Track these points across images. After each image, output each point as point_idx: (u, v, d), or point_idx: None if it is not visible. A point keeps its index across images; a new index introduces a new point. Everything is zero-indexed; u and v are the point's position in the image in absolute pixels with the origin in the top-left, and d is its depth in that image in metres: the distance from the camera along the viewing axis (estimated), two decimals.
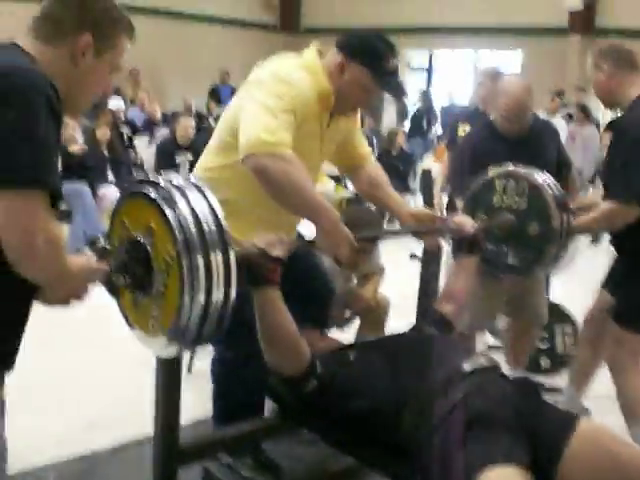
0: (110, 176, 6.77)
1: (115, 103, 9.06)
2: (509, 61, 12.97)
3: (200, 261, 1.54)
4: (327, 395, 2.18)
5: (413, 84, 13.59)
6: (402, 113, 10.90)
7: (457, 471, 1.84)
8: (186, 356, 3.76)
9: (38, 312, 1.61)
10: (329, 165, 8.88)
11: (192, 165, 6.99)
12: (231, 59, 13.47)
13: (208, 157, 2.47)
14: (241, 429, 2.49)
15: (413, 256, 2.92)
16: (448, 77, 13.95)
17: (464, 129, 4.51)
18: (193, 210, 1.58)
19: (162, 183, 1.64)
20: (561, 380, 3.82)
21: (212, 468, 2.62)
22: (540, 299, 3.52)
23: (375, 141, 9.92)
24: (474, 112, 4.66)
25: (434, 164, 6.25)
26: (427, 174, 3.09)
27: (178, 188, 1.62)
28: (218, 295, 1.59)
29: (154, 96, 10.29)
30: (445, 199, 4.77)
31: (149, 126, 9.20)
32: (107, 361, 3.26)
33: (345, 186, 8.56)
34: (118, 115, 8.76)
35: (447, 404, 1.99)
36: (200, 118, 10.07)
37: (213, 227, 1.58)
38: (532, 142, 3.27)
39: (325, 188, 8.16)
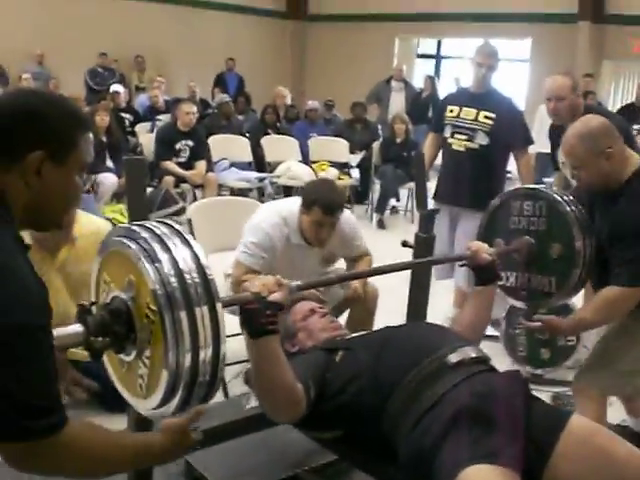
0: (108, 162, 6.68)
1: (116, 88, 8.97)
2: (518, 50, 12.80)
3: (184, 316, 1.43)
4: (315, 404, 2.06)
5: (421, 71, 13.46)
6: (410, 101, 10.72)
7: (438, 469, 1.75)
8: None
9: None
10: (333, 153, 8.73)
11: (192, 152, 6.96)
12: (238, 46, 13.36)
13: None
14: (219, 423, 2.41)
15: (405, 244, 2.81)
16: (456, 65, 13.80)
17: (451, 109, 4.27)
18: (175, 262, 1.46)
19: (142, 233, 1.52)
20: (561, 372, 3.73)
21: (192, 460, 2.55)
22: None
23: (381, 130, 9.84)
24: (463, 92, 4.48)
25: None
26: (420, 157, 2.92)
27: (159, 238, 1.51)
28: (207, 352, 1.47)
29: (158, 83, 10.16)
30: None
31: (151, 113, 9.11)
32: None
33: (349, 174, 8.46)
34: (119, 101, 8.67)
35: (431, 397, 1.90)
36: (205, 105, 9.99)
37: (197, 279, 1.46)
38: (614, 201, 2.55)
39: (328, 174, 8.08)
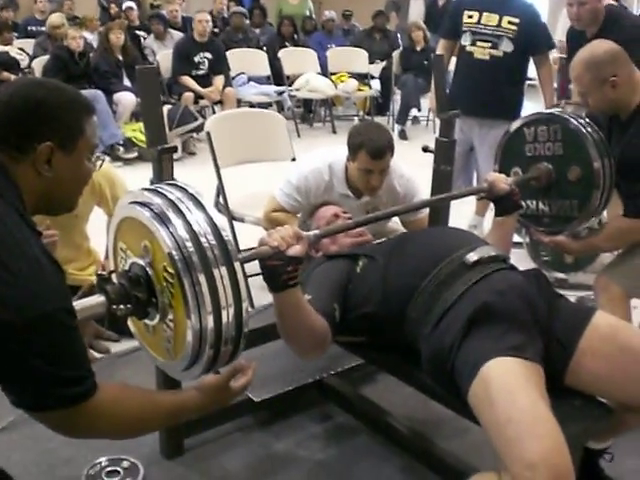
0: (126, 81, 6.63)
1: (129, 4, 8.80)
2: None
3: (202, 279, 1.42)
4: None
5: None
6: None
7: (461, 366, 1.76)
8: None
9: None
10: (352, 63, 8.58)
11: (211, 65, 6.89)
12: None
13: None
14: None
15: (426, 149, 2.77)
16: None
17: (470, 15, 4.04)
18: (189, 225, 1.45)
19: (155, 198, 1.51)
20: (586, 276, 3.71)
21: None
22: None
23: (400, 39, 9.61)
24: None
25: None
26: (439, 59, 2.80)
27: (172, 202, 1.49)
28: (229, 311, 1.46)
29: None
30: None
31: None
32: None
33: (368, 85, 8.31)
34: (132, 17, 8.52)
35: (450, 297, 1.88)
36: (224, 21, 9.78)
37: (213, 241, 1.45)
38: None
39: (347, 86, 7.95)
